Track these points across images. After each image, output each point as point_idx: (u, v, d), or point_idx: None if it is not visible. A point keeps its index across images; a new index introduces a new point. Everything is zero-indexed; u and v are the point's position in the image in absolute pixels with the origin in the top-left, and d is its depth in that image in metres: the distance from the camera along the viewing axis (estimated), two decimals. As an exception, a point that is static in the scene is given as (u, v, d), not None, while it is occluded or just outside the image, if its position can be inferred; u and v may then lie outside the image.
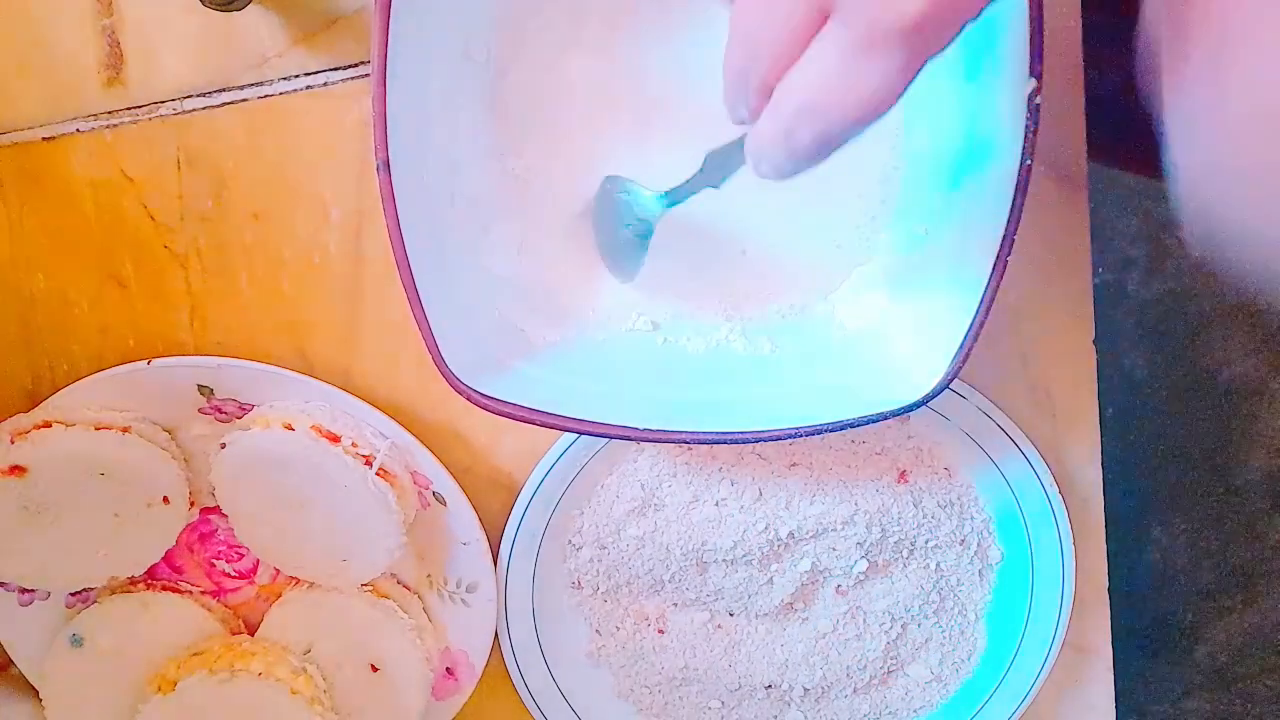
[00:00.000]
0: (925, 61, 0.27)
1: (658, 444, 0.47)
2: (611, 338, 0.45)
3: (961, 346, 0.40)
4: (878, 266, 0.45)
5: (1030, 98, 0.37)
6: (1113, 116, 0.51)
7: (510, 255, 0.44)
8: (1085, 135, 0.49)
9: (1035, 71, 0.37)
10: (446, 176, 0.41)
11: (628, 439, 0.41)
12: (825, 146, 0.29)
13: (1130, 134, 0.59)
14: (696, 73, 0.43)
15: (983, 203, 0.40)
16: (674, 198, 0.41)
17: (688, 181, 0.41)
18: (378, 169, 0.37)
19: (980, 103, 0.40)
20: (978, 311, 0.40)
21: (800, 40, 0.27)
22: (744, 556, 0.50)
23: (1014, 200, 0.39)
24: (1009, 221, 0.39)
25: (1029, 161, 0.38)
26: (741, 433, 0.41)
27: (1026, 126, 0.38)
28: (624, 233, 0.43)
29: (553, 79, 0.43)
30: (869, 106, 0.27)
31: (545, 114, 0.43)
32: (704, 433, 0.41)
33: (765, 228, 0.45)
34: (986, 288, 0.39)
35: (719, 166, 0.39)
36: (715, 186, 0.39)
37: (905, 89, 0.27)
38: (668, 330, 0.46)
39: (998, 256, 0.39)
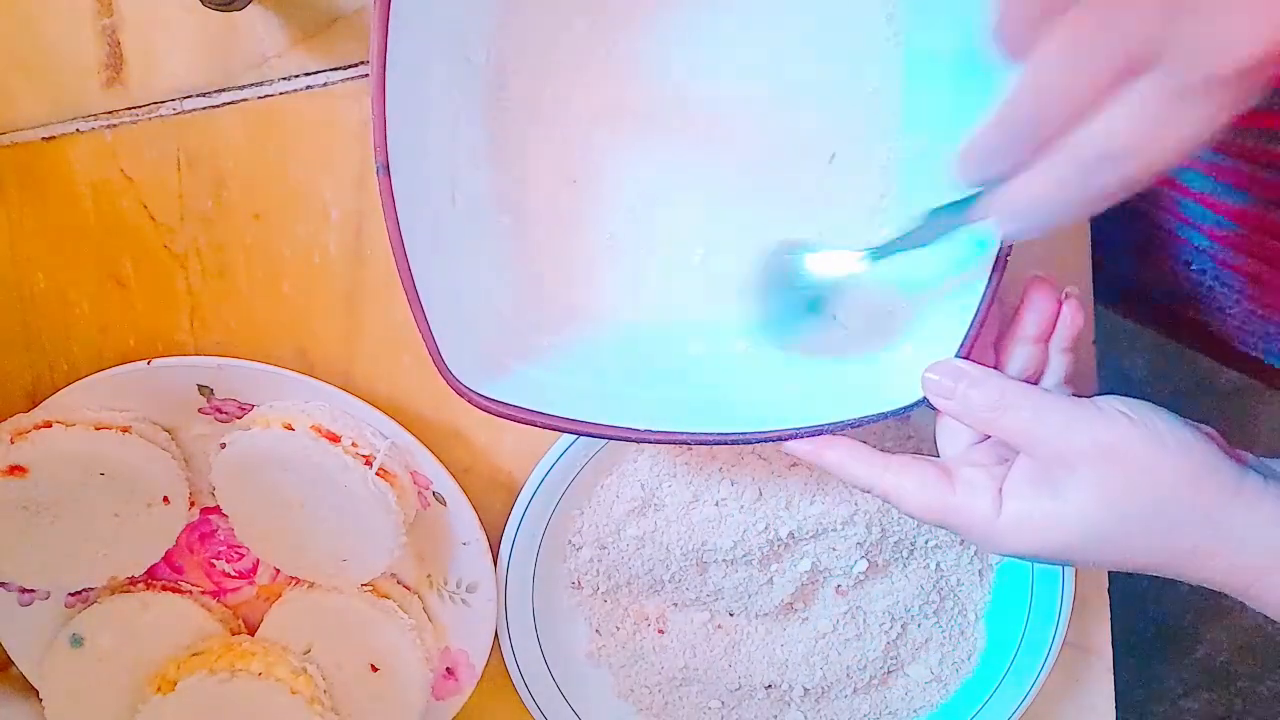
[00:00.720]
0: (1245, 106, 0.27)
1: (658, 444, 0.47)
2: (613, 338, 0.45)
3: (962, 345, 0.40)
4: (879, 264, 0.45)
5: None
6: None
7: (511, 257, 0.44)
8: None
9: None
10: (447, 178, 0.41)
11: (629, 440, 0.41)
12: (1124, 192, 0.29)
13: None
14: (701, 73, 0.43)
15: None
16: (879, 255, 0.40)
17: (899, 239, 0.39)
18: (378, 171, 0.37)
19: (982, 101, 0.40)
20: (978, 310, 0.40)
21: (1105, 91, 0.27)
22: (744, 556, 0.50)
23: None
24: None
25: None
26: (743, 434, 0.41)
27: None
28: (792, 297, 0.43)
29: (554, 80, 0.43)
30: (1182, 152, 0.28)
31: (546, 115, 0.43)
32: (705, 434, 0.41)
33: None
34: (988, 286, 0.39)
35: (938, 226, 0.38)
36: (925, 245, 0.38)
37: (1210, 136, 0.27)
38: (670, 330, 0.46)
39: (999, 254, 0.39)
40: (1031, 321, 0.41)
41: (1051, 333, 0.41)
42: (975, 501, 0.38)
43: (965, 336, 0.40)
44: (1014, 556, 0.39)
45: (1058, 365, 0.41)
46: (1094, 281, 0.50)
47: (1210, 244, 0.51)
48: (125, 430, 0.47)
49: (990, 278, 0.39)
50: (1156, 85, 0.26)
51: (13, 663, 0.53)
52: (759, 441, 0.41)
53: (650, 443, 0.41)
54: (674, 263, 0.45)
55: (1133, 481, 0.36)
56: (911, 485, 0.39)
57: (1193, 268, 0.54)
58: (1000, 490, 0.38)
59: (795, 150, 0.44)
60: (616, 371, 0.44)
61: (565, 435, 0.48)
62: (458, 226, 0.41)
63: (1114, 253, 0.61)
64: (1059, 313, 0.41)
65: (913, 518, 0.41)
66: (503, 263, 0.44)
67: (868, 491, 0.41)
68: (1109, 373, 0.50)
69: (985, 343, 0.41)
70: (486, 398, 0.39)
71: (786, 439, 0.41)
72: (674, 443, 0.41)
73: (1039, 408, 0.38)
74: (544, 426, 0.40)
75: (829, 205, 0.45)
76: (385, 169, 0.37)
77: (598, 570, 0.51)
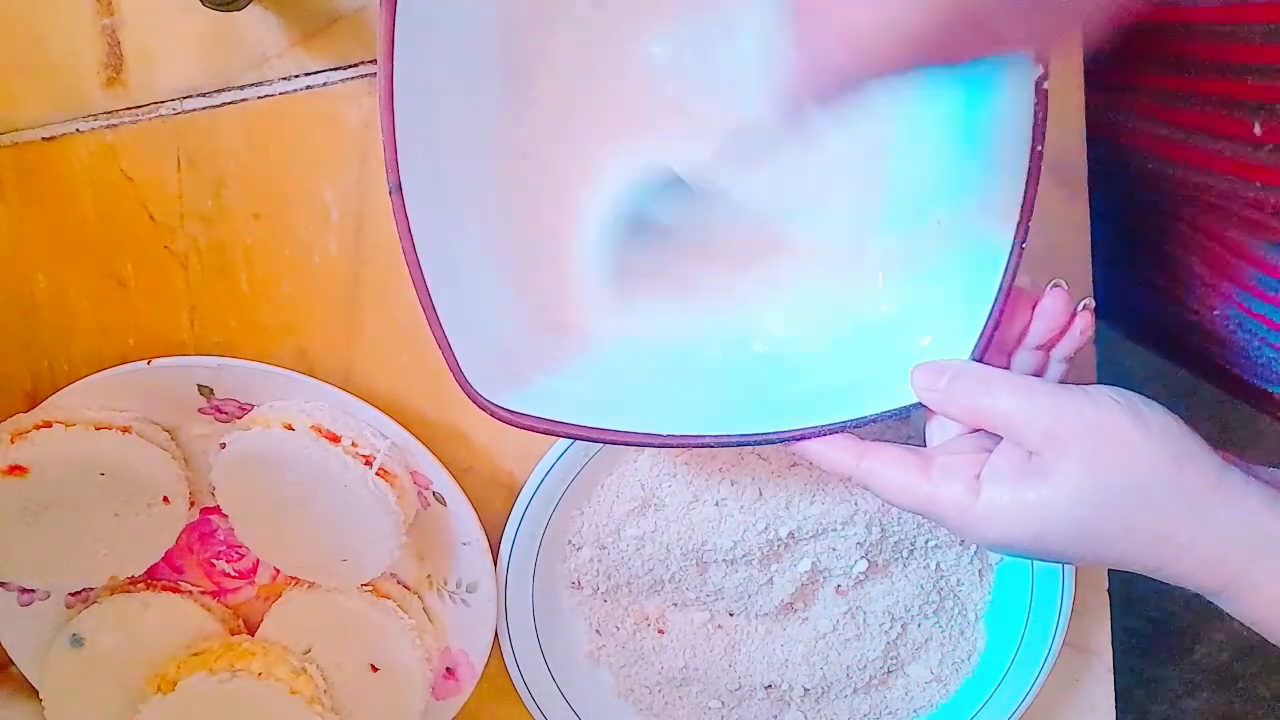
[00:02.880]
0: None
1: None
2: (628, 346, 0.45)
3: (977, 345, 0.40)
4: (893, 260, 0.45)
5: (1038, 84, 0.38)
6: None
7: (526, 269, 0.44)
8: (1085, 136, 0.49)
9: (1042, 58, 0.37)
10: (459, 194, 0.41)
11: (650, 445, 0.41)
12: (856, 73, 0.31)
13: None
14: (711, 81, 0.43)
15: (995, 191, 0.40)
16: (701, 182, 0.40)
17: (716, 158, 0.40)
18: (390, 192, 0.36)
19: (989, 93, 0.40)
20: (993, 309, 0.39)
21: None
22: (744, 556, 0.50)
23: (1026, 190, 0.39)
24: (1022, 210, 0.39)
25: (1040, 147, 0.38)
26: (748, 435, 0.41)
27: (1035, 113, 0.38)
28: (638, 231, 0.43)
29: (564, 92, 0.43)
30: (903, 35, 0.29)
31: (560, 127, 0.43)
32: (721, 436, 0.41)
33: (777, 225, 0.45)
34: (1001, 285, 0.39)
35: (748, 145, 0.39)
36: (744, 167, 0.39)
37: (938, 36, 0.28)
38: (683, 334, 0.45)
39: (1013, 246, 0.39)
40: (1041, 329, 0.41)
41: (1057, 341, 0.41)
42: (950, 488, 0.38)
43: (980, 335, 0.40)
44: (988, 545, 0.38)
45: (1055, 372, 0.42)
46: (1106, 307, 0.50)
47: (1252, 301, 0.51)
48: (125, 430, 0.47)
49: (1003, 275, 0.39)
50: None
51: (13, 663, 0.53)
52: (763, 444, 0.41)
53: (671, 447, 0.41)
54: (687, 267, 0.45)
55: (1119, 461, 0.35)
56: (888, 472, 0.39)
57: (1215, 312, 0.54)
58: (978, 477, 0.38)
59: (807, 155, 0.44)
60: (634, 379, 0.44)
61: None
62: (471, 241, 0.41)
63: (1126, 278, 0.62)
64: (1069, 325, 0.41)
65: (892, 505, 0.41)
66: (518, 275, 0.44)
67: (847, 479, 0.41)
68: (1109, 373, 0.49)
69: (1001, 345, 0.41)
70: (508, 410, 0.39)
71: (788, 440, 0.41)
72: (694, 446, 0.41)
73: (1026, 392, 0.38)
74: (565, 436, 0.40)
75: (843, 200, 0.45)
76: (398, 189, 0.37)
77: (598, 570, 0.51)
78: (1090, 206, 0.50)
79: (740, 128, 0.39)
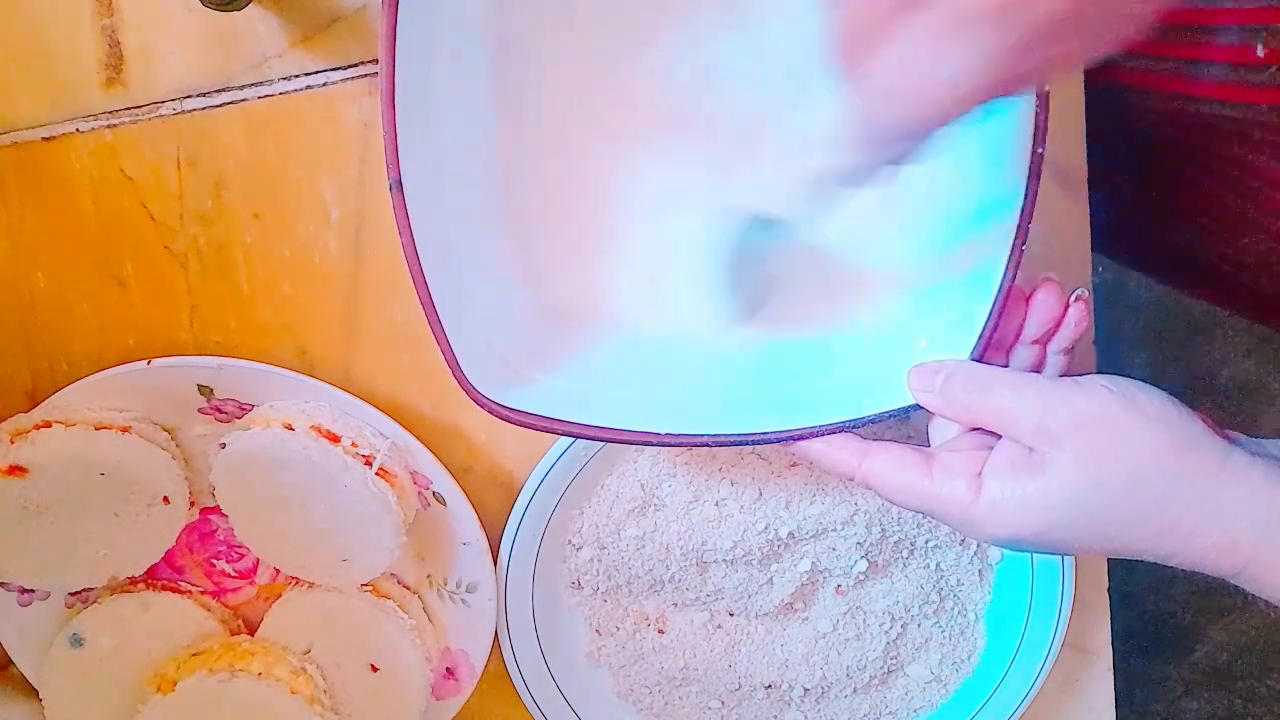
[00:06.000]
0: (1012, 49, 0.27)
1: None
2: (629, 344, 0.45)
3: (978, 344, 0.40)
4: (894, 261, 0.45)
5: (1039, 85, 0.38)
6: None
7: (525, 268, 0.44)
8: (1085, 136, 0.49)
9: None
10: (459, 192, 0.41)
11: (650, 444, 0.41)
12: (906, 135, 0.30)
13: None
14: (714, 85, 0.43)
15: (995, 192, 0.40)
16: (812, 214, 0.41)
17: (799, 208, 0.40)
18: (391, 188, 0.36)
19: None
20: (993, 308, 0.39)
21: (888, 20, 0.28)
22: (744, 556, 0.50)
23: (1026, 190, 0.39)
24: (1022, 210, 0.39)
25: (1040, 150, 0.38)
26: (748, 435, 0.41)
27: (1036, 115, 0.38)
28: (749, 272, 0.43)
29: (563, 90, 0.43)
30: (950, 93, 0.28)
31: (557, 126, 0.43)
32: (722, 435, 0.41)
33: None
34: (1001, 283, 0.39)
35: (829, 196, 0.39)
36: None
37: (990, 82, 0.27)
38: (685, 333, 0.45)
39: (1013, 246, 0.39)
40: (1035, 324, 0.41)
41: (1053, 335, 0.41)
42: (952, 486, 0.38)
43: (980, 335, 0.40)
44: (994, 541, 0.38)
45: (1054, 365, 0.41)
46: (1149, 248, 0.50)
47: None
48: (125, 430, 0.47)
49: (1003, 275, 0.39)
50: (926, 21, 0.27)
51: (13, 663, 0.53)
52: (762, 443, 0.41)
53: (671, 446, 0.41)
54: (687, 267, 0.45)
55: (1114, 450, 0.35)
56: (890, 471, 0.39)
57: (1245, 239, 0.53)
58: (979, 474, 0.38)
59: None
60: (633, 376, 0.43)
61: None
62: (471, 239, 0.41)
63: (1144, 218, 0.61)
64: (1063, 317, 0.41)
65: (894, 504, 0.41)
66: (517, 273, 0.44)
67: (850, 479, 0.41)
68: (1109, 372, 0.49)
69: (999, 342, 0.41)
70: (509, 408, 0.39)
71: (788, 440, 0.41)
72: (694, 446, 0.41)
73: (1018, 388, 0.37)
74: (565, 434, 0.40)
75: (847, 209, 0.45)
76: (398, 185, 0.37)
77: (598, 570, 0.51)
78: (1099, 154, 0.49)
79: (819, 182, 0.39)
